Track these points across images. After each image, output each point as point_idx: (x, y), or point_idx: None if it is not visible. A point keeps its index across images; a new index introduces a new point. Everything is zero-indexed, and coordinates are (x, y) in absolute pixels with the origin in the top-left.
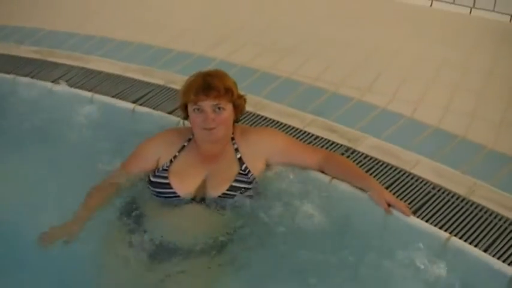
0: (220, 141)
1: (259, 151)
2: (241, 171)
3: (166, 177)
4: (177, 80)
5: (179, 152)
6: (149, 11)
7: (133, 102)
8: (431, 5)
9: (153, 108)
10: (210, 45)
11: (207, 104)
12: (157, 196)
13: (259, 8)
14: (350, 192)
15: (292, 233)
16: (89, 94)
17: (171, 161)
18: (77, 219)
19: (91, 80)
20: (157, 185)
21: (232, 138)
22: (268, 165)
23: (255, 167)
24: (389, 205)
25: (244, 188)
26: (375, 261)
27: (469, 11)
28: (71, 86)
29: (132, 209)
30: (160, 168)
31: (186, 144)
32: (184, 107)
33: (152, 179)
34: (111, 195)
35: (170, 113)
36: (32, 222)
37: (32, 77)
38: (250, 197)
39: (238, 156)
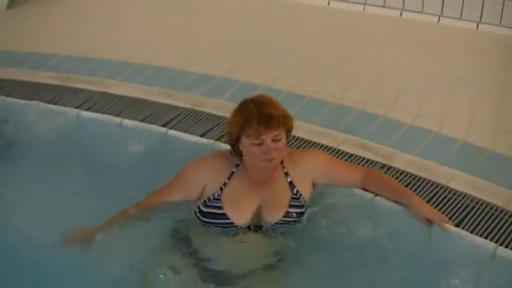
0: (275, 168)
1: (307, 173)
2: (294, 196)
3: (220, 207)
4: (203, 103)
5: (228, 179)
6: (163, 34)
7: (163, 126)
8: (438, 21)
9: (184, 132)
10: (229, 68)
11: (269, 137)
12: (209, 227)
13: (271, 29)
14: (394, 207)
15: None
16: (118, 119)
17: (221, 189)
18: (96, 228)
19: (115, 106)
20: (211, 215)
21: (281, 162)
22: (314, 186)
23: (304, 189)
24: (429, 219)
25: (298, 212)
26: (424, 274)
27: (475, 26)
28: (95, 111)
29: (183, 238)
30: (212, 197)
31: (234, 170)
32: (237, 140)
33: (204, 209)
34: (139, 217)
35: (202, 136)
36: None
37: (54, 103)
38: (301, 220)
39: (289, 180)
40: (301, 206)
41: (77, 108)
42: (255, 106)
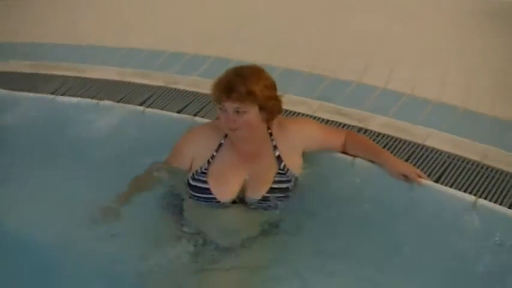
0: (249, 140)
1: (297, 142)
2: (280, 171)
3: (205, 182)
4: (177, 81)
5: (216, 151)
6: (132, 15)
7: (139, 105)
8: None
9: (161, 109)
10: (201, 44)
11: (229, 106)
12: (196, 199)
13: (242, 3)
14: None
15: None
16: (94, 101)
17: (208, 162)
18: (117, 200)
19: (90, 89)
20: (197, 189)
21: (271, 134)
22: (303, 154)
23: (294, 163)
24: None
25: (285, 188)
26: (409, 231)
27: None
28: (71, 96)
29: (175, 207)
30: (199, 171)
31: (223, 141)
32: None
33: (191, 182)
34: (150, 184)
35: (179, 112)
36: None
37: (28, 91)
38: (292, 195)
39: (277, 154)
40: (288, 181)
41: (51, 94)
42: (230, 74)
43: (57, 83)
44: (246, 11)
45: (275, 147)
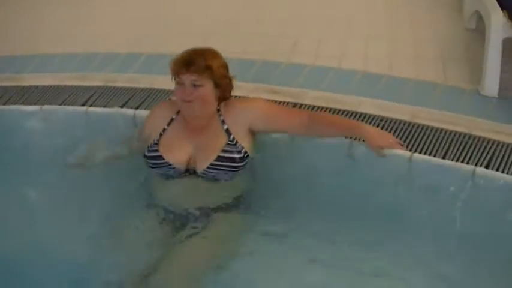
0: (199, 116)
1: (243, 118)
2: (229, 142)
3: (157, 151)
4: (115, 79)
5: (168, 125)
6: (60, 23)
7: (82, 105)
8: None
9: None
10: (132, 43)
11: (186, 78)
12: (153, 168)
13: (166, 3)
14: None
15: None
16: (37, 107)
17: (160, 135)
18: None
19: (31, 96)
20: (151, 158)
21: (218, 110)
22: (253, 133)
23: (243, 138)
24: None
25: (234, 158)
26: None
27: None
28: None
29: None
30: (152, 143)
31: (174, 116)
32: (173, 78)
33: (147, 153)
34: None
35: (121, 107)
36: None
37: None
38: (244, 167)
39: (225, 127)
40: (238, 151)
41: None
42: (190, 51)
43: None
44: (171, 8)
45: (223, 122)
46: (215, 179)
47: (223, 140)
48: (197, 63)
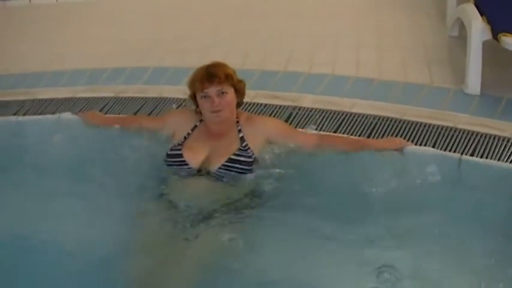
0: (225, 122)
1: (261, 132)
2: (241, 148)
3: (180, 150)
4: (125, 90)
5: (192, 130)
6: (68, 42)
7: None
8: None
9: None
10: (138, 58)
11: (212, 90)
12: (170, 165)
13: (168, 20)
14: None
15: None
16: (55, 116)
17: (184, 138)
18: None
19: (48, 107)
20: (172, 156)
21: (237, 122)
22: (269, 143)
23: (256, 145)
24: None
25: (244, 161)
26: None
27: None
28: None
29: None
30: (176, 144)
31: (198, 124)
32: (194, 96)
33: (169, 152)
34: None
35: (135, 113)
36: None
37: None
38: (250, 171)
39: (241, 135)
40: (248, 157)
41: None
42: (204, 68)
43: (15, 107)
44: (171, 26)
45: (239, 131)
46: (225, 179)
47: (236, 145)
48: (217, 74)
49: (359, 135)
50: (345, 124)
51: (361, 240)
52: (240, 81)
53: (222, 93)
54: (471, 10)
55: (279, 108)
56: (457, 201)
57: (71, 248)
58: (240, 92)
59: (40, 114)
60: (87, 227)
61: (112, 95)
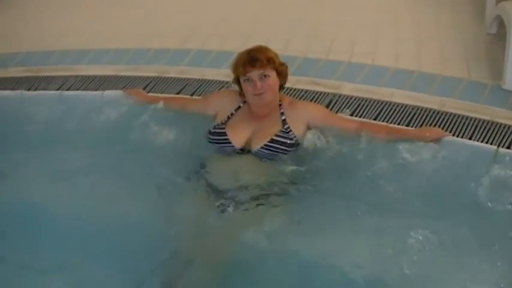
0: (268, 104)
1: (302, 116)
2: (283, 130)
3: (223, 129)
4: (168, 71)
5: (236, 110)
6: (112, 22)
7: None
8: None
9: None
10: (181, 40)
11: (254, 74)
12: (212, 143)
13: (213, 4)
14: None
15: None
16: (99, 92)
17: (228, 117)
18: (147, 97)
19: (90, 84)
20: (216, 135)
21: (280, 105)
22: (309, 128)
23: (297, 128)
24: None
25: (285, 142)
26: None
27: None
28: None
29: (198, 166)
30: (220, 123)
31: (241, 105)
32: (237, 80)
33: (212, 130)
34: (176, 108)
35: (177, 94)
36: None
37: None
38: (291, 153)
39: (283, 118)
40: (290, 138)
41: (57, 90)
42: (246, 52)
43: (59, 82)
44: (213, 10)
45: (282, 114)
46: (266, 159)
47: (278, 127)
48: (259, 58)
49: (398, 124)
50: (384, 113)
51: (399, 227)
52: (282, 64)
53: (264, 76)
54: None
55: (320, 94)
56: (493, 194)
57: (109, 225)
58: (282, 74)
59: (83, 90)
60: (126, 204)
61: (155, 74)
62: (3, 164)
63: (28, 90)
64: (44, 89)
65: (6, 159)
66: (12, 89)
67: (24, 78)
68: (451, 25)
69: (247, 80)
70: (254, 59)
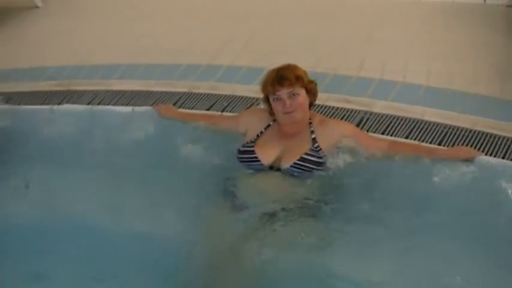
0: (298, 123)
1: (332, 134)
2: (312, 148)
3: (252, 147)
4: (198, 86)
5: (265, 129)
6: (142, 37)
7: None
8: None
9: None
10: (211, 56)
11: (283, 93)
12: (242, 161)
13: (243, 20)
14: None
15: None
16: (129, 108)
17: (257, 136)
18: (177, 113)
19: (121, 99)
20: (245, 152)
21: (310, 123)
22: (339, 146)
23: (327, 147)
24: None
25: (314, 161)
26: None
27: None
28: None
29: (227, 183)
30: (249, 141)
31: (271, 123)
32: (267, 99)
33: (241, 148)
34: (206, 124)
35: (208, 110)
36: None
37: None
38: (320, 171)
39: (313, 136)
40: (320, 157)
41: (88, 104)
42: (274, 71)
43: (89, 97)
44: (245, 26)
45: (312, 132)
46: (294, 178)
47: (308, 145)
48: (288, 77)
49: (429, 143)
50: (415, 131)
51: (429, 249)
52: (311, 82)
53: (294, 94)
54: None
55: (351, 112)
56: None
57: (136, 239)
58: (311, 92)
59: (114, 105)
60: (153, 220)
61: (185, 90)
62: (32, 176)
63: (58, 104)
64: (74, 103)
65: (35, 172)
66: (43, 103)
67: (54, 92)
68: (483, 43)
69: (277, 98)
70: (283, 77)
